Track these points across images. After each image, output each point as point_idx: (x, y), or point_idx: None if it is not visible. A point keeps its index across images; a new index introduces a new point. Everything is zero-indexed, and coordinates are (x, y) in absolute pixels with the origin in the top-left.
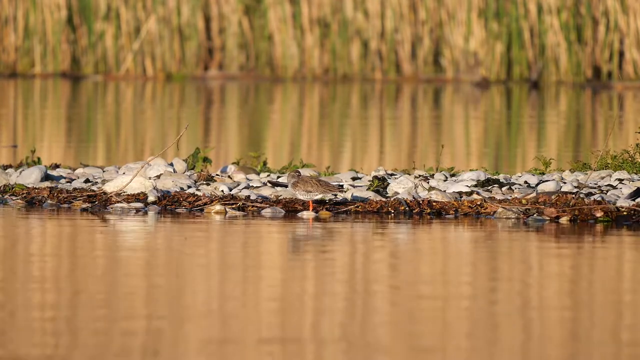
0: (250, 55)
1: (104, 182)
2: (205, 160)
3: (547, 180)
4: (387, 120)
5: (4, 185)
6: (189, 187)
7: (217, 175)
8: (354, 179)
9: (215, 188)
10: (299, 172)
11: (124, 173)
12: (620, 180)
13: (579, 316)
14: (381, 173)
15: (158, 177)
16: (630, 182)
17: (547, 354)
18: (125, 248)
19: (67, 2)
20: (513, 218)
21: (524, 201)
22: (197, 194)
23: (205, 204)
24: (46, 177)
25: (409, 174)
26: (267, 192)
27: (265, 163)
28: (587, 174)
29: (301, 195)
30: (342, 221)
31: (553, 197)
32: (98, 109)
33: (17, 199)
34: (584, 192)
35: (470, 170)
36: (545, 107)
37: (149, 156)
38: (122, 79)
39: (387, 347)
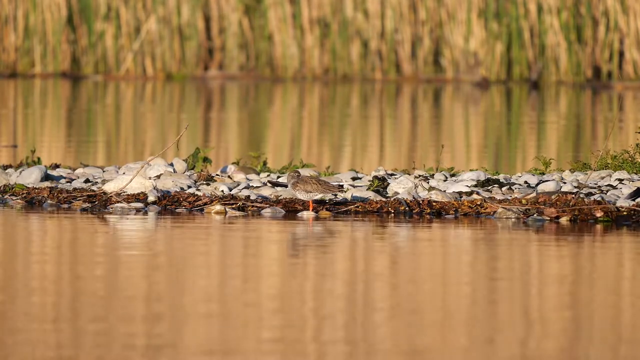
0: (250, 55)
1: (104, 182)
2: (205, 160)
3: (547, 180)
4: (387, 120)
5: (4, 185)
6: (189, 187)
7: (217, 175)
8: (354, 179)
9: (215, 188)
10: (299, 172)
11: (124, 173)
12: (620, 180)
13: (579, 316)
14: (381, 173)
15: (158, 177)
16: (630, 182)
17: (547, 355)
18: (125, 248)
19: (67, 2)
20: (513, 218)
21: (524, 201)
22: (197, 194)
23: (205, 204)
24: (46, 177)
25: (409, 174)
26: (267, 192)
27: (265, 163)
28: (587, 174)
29: (301, 195)
30: (342, 221)
31: (553, 197)
32: (98, 109)
33: (17, 199)
34: (584, 192)
35: (470, 170)
36: (545, 107)
37: (149, 156)
38: (122, 79)
39: (387, 348)
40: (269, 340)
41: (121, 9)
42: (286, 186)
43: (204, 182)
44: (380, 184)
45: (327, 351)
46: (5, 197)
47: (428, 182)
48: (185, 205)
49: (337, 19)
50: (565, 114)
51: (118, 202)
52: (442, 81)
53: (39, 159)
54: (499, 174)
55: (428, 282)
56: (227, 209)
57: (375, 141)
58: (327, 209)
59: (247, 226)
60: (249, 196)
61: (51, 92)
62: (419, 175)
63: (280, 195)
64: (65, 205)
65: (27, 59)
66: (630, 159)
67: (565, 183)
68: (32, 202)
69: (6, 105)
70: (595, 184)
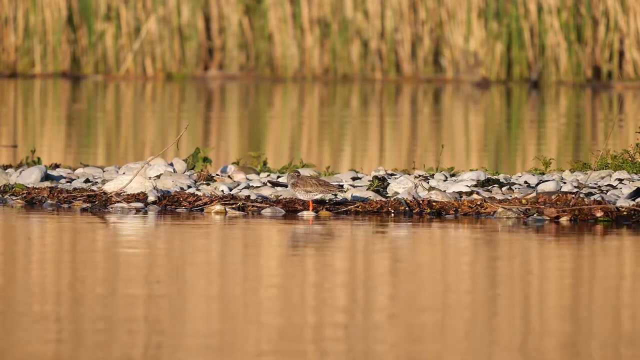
0: (250, 55)
1: (104, 182)
2: (205, 160)
3: (547, 180)
4: (387, 120)
5: (4, 185)
6: (189, 187)
7: (217, 175)
8: (354, 179)
9: (215, 188)
10: (299, 172)
11: (124, 173)
12: (620, 180)
13: (579, 316)
14: (381, 173)
15: (158, 177)
16: (630, 182)
17: (546, 355)
18: (125, 248)
19: (67, 2)
20: (513, 218)
21: (524, 201)
22: (197, 194)
23: (205, 204)
24: (46, 177)
25: (409, 174)
26: (267, 192)
27: (265, 163)
28: (587, 174)
29: (301, 195)
30: (342, 221)
31: (553, 197)
32: (98, 109)
33: (17, 199)
34: (584, 192)
35: (470, 170)
36: (545, 107)
37: (149, 156)
38: (122, 79)
39: (387, 349)
40: (269, 340)
41: (121, 9)
42: (286, 186)
43: (204, 182)
44: (380, 184)
45: (328, 351)
46: (5, 197)
47: (428, 182)
48: (185, 205)
49: (337, 19)
50: (565, 113)
51: (118, 202)
52: (442, 81)
53: (39, 159)
54: (499, 174)
55: (428, 282)
56: (227, 209)
57: (375, 141)
58: (327, 209)
59: (247, 226)
60: (249, 196)
61: (51, 92)
62: (419, 175)
63: (280, 195)
64: (65, 205)
65: (27, 59)
66: (630, 159)
67: (565, 183)
68: (32, 202)
69: (6, 105)
70: (595, 184)
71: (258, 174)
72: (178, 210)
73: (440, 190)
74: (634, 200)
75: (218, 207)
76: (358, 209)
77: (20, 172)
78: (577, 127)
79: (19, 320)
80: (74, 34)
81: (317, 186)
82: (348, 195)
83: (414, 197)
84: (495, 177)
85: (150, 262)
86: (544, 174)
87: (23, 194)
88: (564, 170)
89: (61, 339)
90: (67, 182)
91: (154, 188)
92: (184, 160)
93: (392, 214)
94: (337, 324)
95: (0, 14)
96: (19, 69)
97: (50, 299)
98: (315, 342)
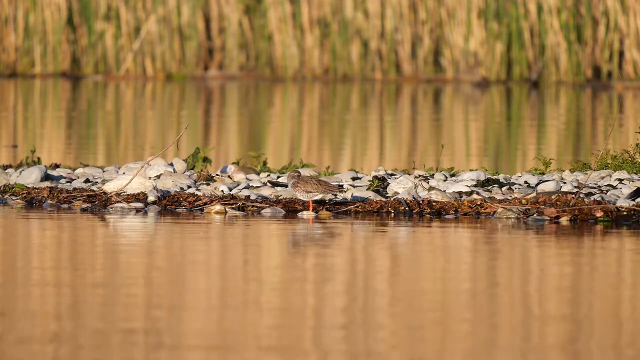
0: (250, 55)
1: (104, 182)
2: (205, 160)
3: (547, 180)
4: (387, 120)
5: (4, 185)
6: (189, 187)
7: (217, 175)
8: (354, 179)
9: (215, 188)
10: (299, 172)
11: (124, 173)
12: (620, 180)
13: (579, 316)
14: (381, 173)
15: (158, 177)
16: (630, 182)
17: (547, 355)
18: (125, 248)
19: (67, 2)
20: (513, 218)
21: (524, 201)
22: (197, 194)
23: (205, 204)
24: (46, 177)
25: (409, 174)
26: (267, 192)
27: (265, 163)
28: (587, 174)
29: (301, 195)
30: (342, 221)
31: (553, 197)
32: (98, 109)
33: (17, 199)
34: (584, 192)
35: (470, 170)
36: (545, 107)
37: (149, 156)
38: (122, 79)
39: (387, 349)
40: (269, 339)
41: (121, 9)
42: (286, 186)
43: (204, 182)
44: (380, 184)
45: (328, 352)
46: (5, 197)
47: (428, 182)
48: (185, 205)
49: (337, 19)
50: (565, 114)
51: (118, 202)
52: (442, 81)
53: (39, 158)
54: (499, 174)
55: (428, 283)
56: (227, 209)
57: (375, 141)
58: (327, 209)
59: (247, 226)
60: (249, 196)
61: (51, 92)
62: (419, 175)
63: (280, 195)
64: (65, 205)
65: (27, 59)
66: (630, 159)
67: (565, 183)
68: (32, 202)
69: (6, 105)
70: (595, 184)
71: (258, 174)
72: (178, 210)
73: (440, 190)
74: (633, 200)
75: (218, 207)
76: (358, 209)
77: (20, 172)
78: (577, 127)
79: (19, 320)
80: (74, 34)
81: (317, 186)
82: (348, 195)
83: (414, 197)
84: (495, 177)
85: (150, 262)
86: (544, 174)
87: (23, 194)
88: (564, 170)
89: (61, 339)
90: (67, 182)
91: (154, 188)
92: (184, 160)
93: (392, 214)
94: (337, 324)
95: (0, 14)
96: (19, 69)
97: (51, 299)
98: (316, 342)
